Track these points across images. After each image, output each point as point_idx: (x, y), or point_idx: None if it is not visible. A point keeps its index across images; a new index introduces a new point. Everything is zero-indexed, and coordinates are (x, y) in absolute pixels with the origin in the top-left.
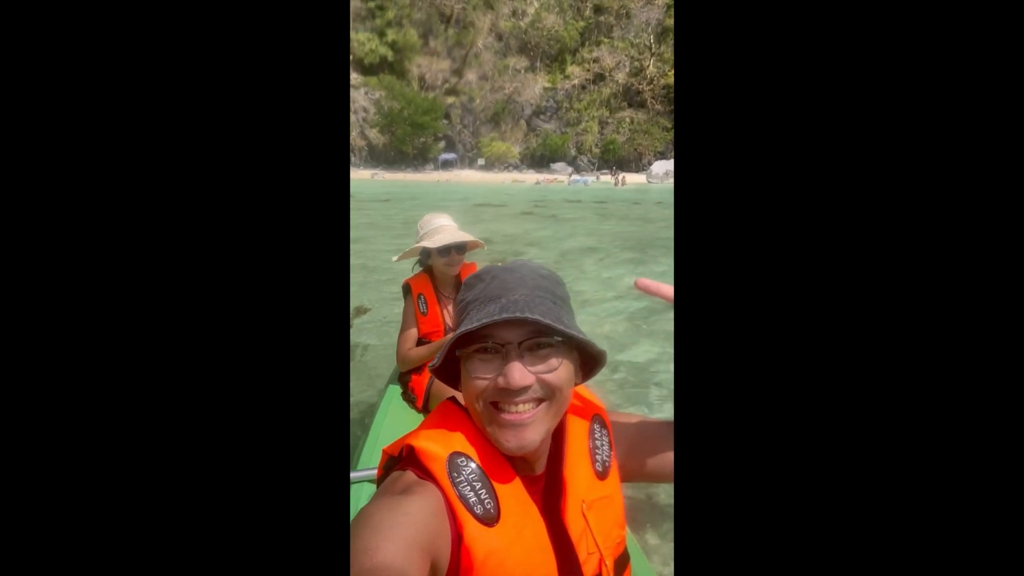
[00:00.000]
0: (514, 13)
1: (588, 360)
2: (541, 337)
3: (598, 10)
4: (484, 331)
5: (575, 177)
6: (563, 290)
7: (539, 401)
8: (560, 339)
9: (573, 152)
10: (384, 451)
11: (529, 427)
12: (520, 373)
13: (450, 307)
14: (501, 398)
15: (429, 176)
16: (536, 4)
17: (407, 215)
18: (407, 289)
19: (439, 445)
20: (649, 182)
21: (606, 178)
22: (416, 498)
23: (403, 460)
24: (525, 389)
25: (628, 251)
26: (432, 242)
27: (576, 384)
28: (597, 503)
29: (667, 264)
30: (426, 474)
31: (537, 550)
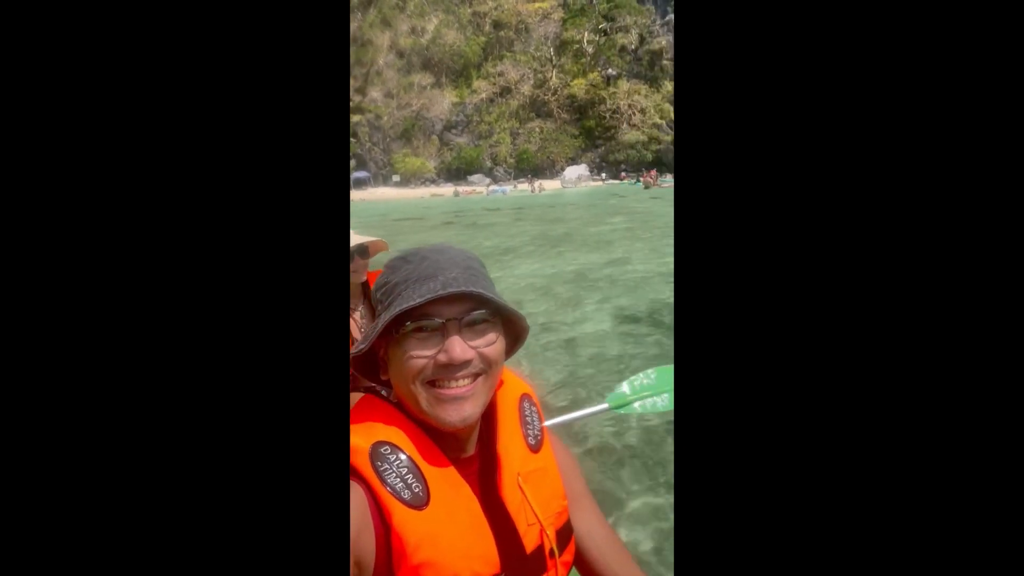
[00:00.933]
0: (413, 31)
1: (512, 335)
2: (477, 312)
3: (497, 25)
4: (421, 309)
5: (493, 187)
6: (486, 270)
7: (476, 375)
8: (493, 315)
9: (488, 164)
10: None
11: (469, 400)
12: (461, 348)
13: (356, 316)
14: (441, 375)
15: None
16: (435, 21)
17: None
18: None
19: (361, 437)
20: (564, 187)
21: (524, 186)
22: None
23: None
24: (466, 363)
25: (543, 247)
26: None
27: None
28: (532, 475)
29: (575, 258)
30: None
31: (472, 527)
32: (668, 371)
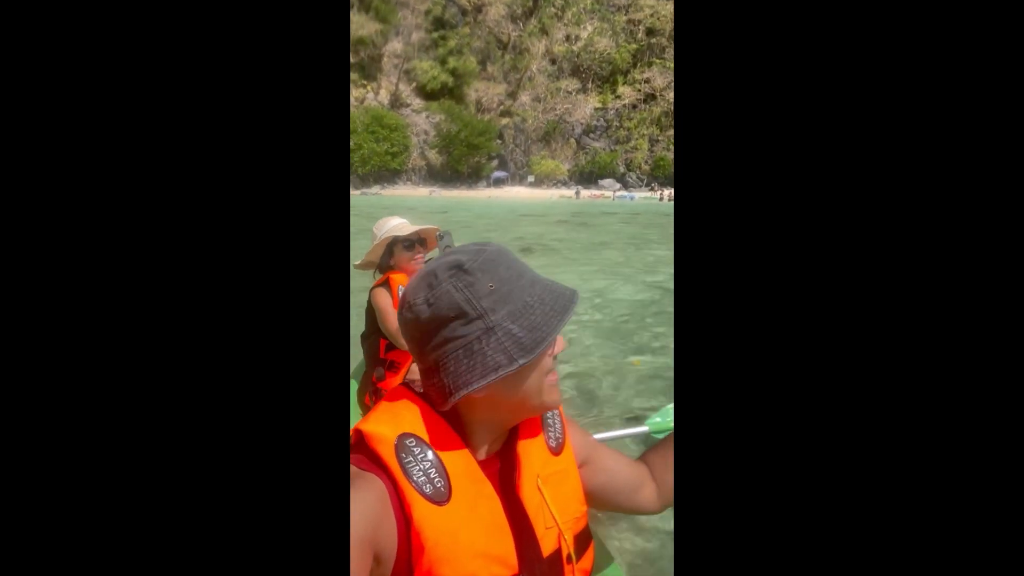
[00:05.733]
0: (567, 38)
1: None
2: None
3: (651, 32)
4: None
5: (620, 193)
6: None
7: None
8: None
9: (622, 169)
10: None
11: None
12: (561, 341)
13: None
14: (552, 366)
15: (481, 193)
16: (589, 28)
17: (453, 223)
18: (386, 283)
19: (387, 427)
20: None
21: (651, 193)
22: (354, 493)
23: (352, 446)
24: None
25: (630, 246)
26: (398, 230)
27: None
28: (552, 477)
29: (656, 251)
30: (372, 459)
31: (492, 527)
32: None
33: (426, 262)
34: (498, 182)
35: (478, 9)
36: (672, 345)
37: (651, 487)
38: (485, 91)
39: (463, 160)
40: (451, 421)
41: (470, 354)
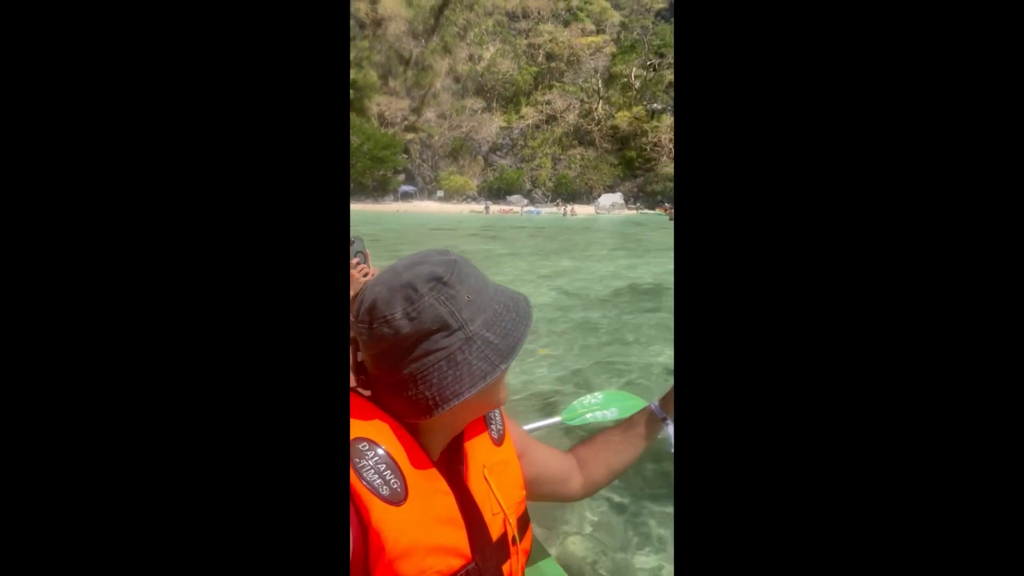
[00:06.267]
0: (471, 58)
1: None
2: None
3: (550, 57)
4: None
5: (528, 208)
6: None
7: None
8: None
9: (528, 186)
10: None
11: None
12: None
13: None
14: None
15: (388, 207)
16: (492, 50)
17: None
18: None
19: None
20: (597, 213)
21: (556, 210)
22: None
23: None
24: None
25: (535, 256)
26: None
27: None
28: (496, 467)
29: (563, 263)
30: None
31: (447, 520)
32: (614, 394)
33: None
34: (406, 196)
35: (377, 23)
36: (575, 338)
37: (578, 478)
38: (388, 105)
39: (367, 173)
40: (404, 423)
41: (454, 365)
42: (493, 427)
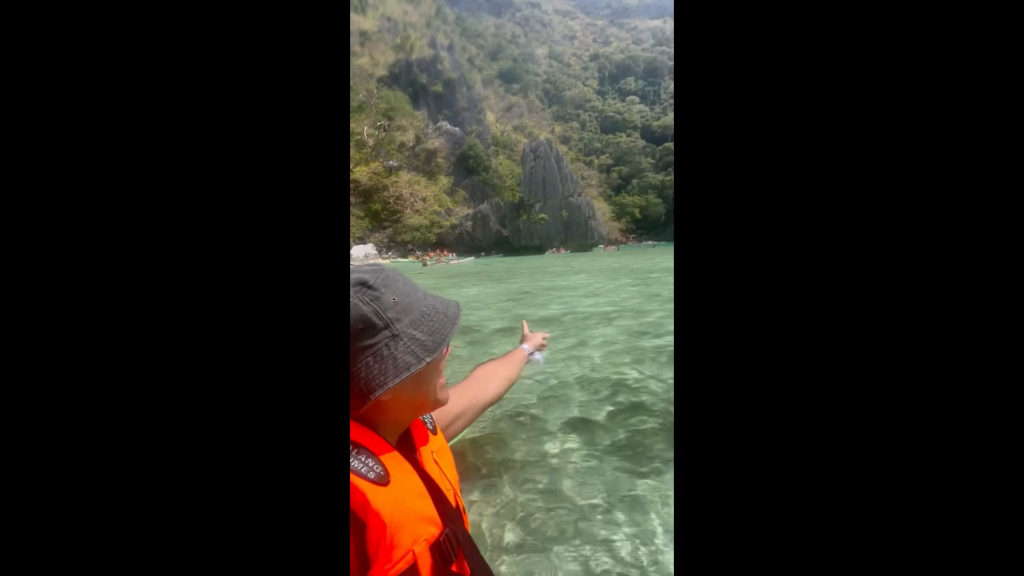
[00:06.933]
0: None
1: None
2: None
3: None
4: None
5: None
6: None
7: None
8: None
9: None
10: None
11: None
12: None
13: None
14: (442, 370)
15: None
16: None
17: None
18: None
19: None
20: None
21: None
22: None
23: None
24: None
25: None
26: None
27: None
28: (439, 451)
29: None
30: None
31: (421, 495)
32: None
33: None
34: None
35: None
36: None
37: (491, 389)
38: None
39: None
40: (366, 425)
41: (380, 359)
42: (427, 420)
